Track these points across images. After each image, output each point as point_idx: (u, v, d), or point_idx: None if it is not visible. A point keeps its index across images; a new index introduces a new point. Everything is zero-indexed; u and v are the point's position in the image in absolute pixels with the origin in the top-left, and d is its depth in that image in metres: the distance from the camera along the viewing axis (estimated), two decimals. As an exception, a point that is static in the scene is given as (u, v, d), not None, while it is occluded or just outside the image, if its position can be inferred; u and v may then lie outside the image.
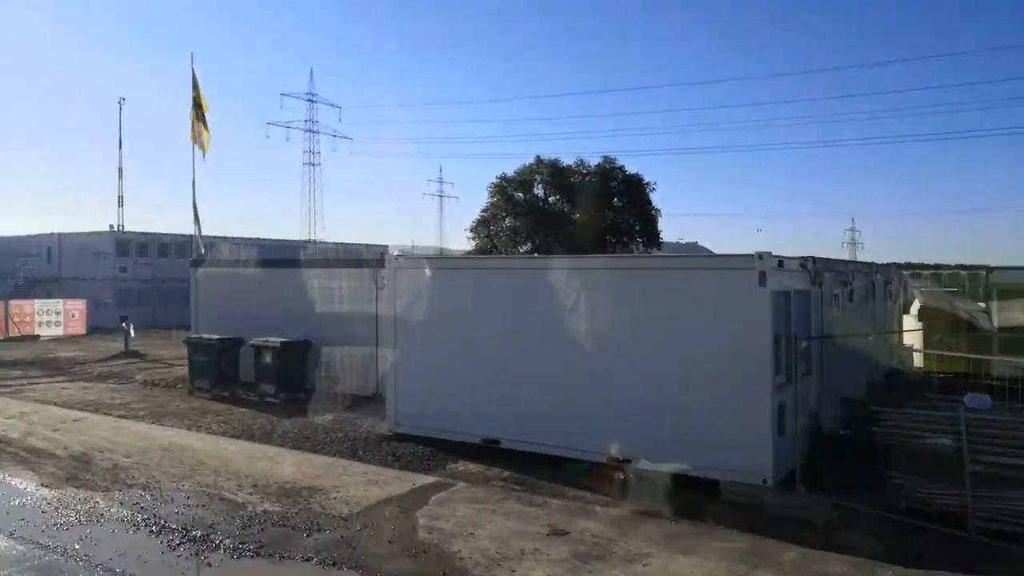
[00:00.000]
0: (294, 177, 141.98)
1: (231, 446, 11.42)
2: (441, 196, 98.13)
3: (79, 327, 32.46)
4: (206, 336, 16.29)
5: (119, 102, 53.93)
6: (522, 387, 10.34)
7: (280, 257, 26.49)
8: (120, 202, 59.92)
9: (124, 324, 22.55)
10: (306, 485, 9.27)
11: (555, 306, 10.02)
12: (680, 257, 10.15)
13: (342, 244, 58.34)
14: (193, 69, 18.72)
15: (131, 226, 44.95)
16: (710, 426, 9.00)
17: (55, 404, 14.88)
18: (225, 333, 16.47)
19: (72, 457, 10.56)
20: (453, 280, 11.36)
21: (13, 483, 9.33)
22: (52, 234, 41.12)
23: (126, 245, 38.90)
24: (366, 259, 16.58)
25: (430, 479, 9.56)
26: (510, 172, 56.17)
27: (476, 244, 56.38)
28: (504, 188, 55.53)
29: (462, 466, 10.19)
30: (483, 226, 56.79)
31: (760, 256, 8.87)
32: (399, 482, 9.44)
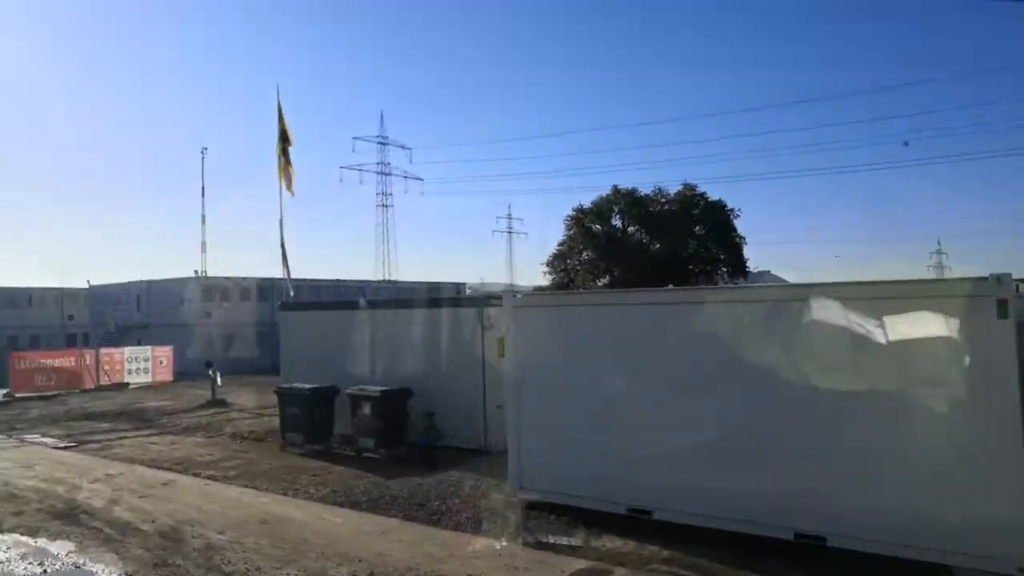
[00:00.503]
0: (367, 219, 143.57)
1: (335, 517, 9.91)
2: (510, 233, 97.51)
3: (166, 374, 32.07)
4: (298, 385, 15.01)
5: (202, 152, 55.35)
6: (679, 446, 8.52)
7: (373, 298, 25.42)
8: (203, 248, 60.98)
9: (210, 372, 21.66)
10: (431, 571, 7.65)
11: (722, 346, 8.21)
12: (882, 284, 8.14)
13: (417, 283, 57.50)
14: (279, 101, 18.00)
15: (215, 271, 45.25)
16: (937, 501, 7.02)
17: (142, 463, 13.75)
18: (317, 380, 15.19)
19: (160, 534, 9.20)
20: (588, 318, 9.66)
21: (95, 572, 8.00)
22: (141, 281, 41.47)
23: (210, 290, 38.79)
24: (469, 297, 15.15)
25: (579, 563, 7.80)
26: (587, 204, 54.52)
27: (553, 279, 54.75)
28: (581, 220, 53.90)
29: (609, 543, 8.40)
30: (560, 260, 55.22)
31: (998, 279, 6.91)
32: (542, 568, 7.72)
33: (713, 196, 49.31)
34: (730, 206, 48.67)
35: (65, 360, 29.55)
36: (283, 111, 16.61)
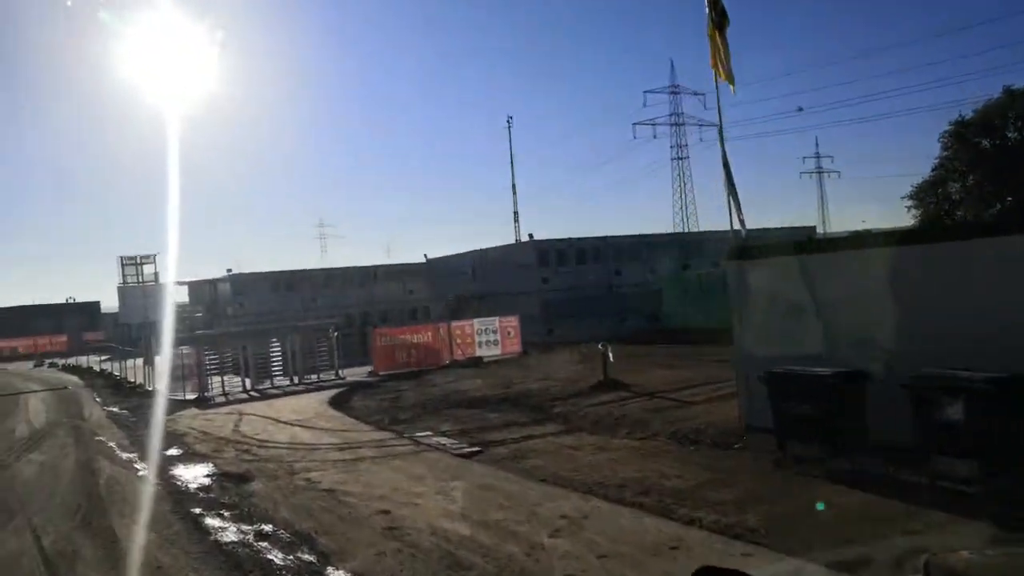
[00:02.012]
0: (663, 173, 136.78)
1: None
2: (820, 173, 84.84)
3: (515, 345, 29.00)
4: (808, 369, 9.37)
5: (508, 121, 53.17)
6: None
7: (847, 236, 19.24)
8: (515, 217, 59.25)
9: (600, 346, 17.12)
10: None
11: None
12: None
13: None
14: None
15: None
16: None
17: (592, 492, 9.09)
18: (791, 353, 9.58)
19: None
20: None
21: None
22: (476, 251, 39.61)
23: (546, 254, 35.41)
24: None
25: None
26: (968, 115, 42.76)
27: (920, 213, 43.87)
28: (963, 135, 42.32)
29: None
30: (930, 189, 44.02)
31: None
32: None
33: None
34: None
35: (422, 335, 27.59)
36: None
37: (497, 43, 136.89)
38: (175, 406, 20.26)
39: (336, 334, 26.87)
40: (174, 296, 50.54)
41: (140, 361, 32.22)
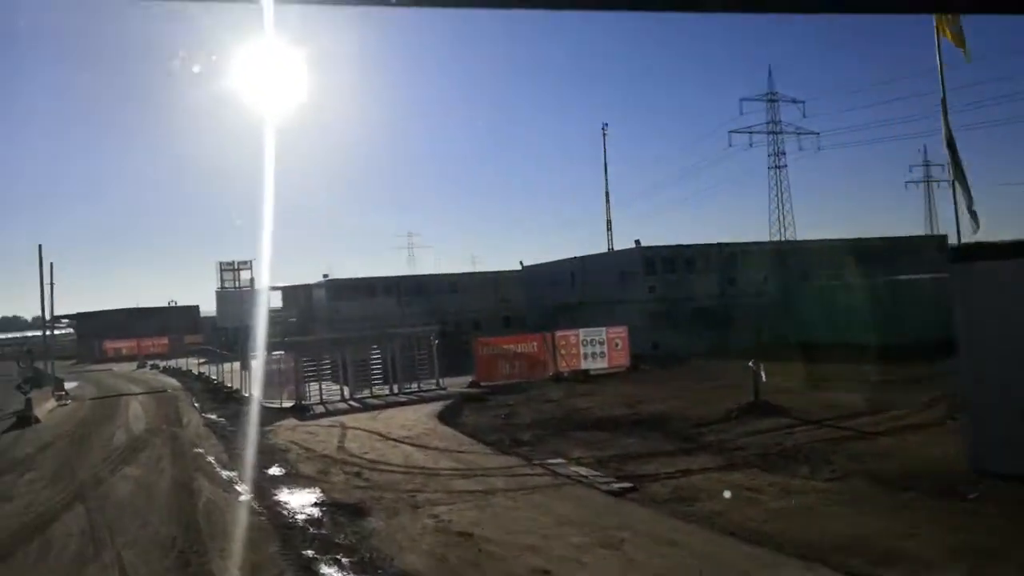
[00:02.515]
0: (758, 181, 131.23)
1: None
2: (928, 182, 78.90)
3: (622, 359, 26.77)
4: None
5: (603, 129, 51.21)
6: None
7: None
8: (608, 226, 57.00)
9: (751, 364, 14.80)
10: None
11: None
12: None
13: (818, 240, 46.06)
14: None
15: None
16: None
17: (806, 556, 6.92)
18: None
19: None
20: None
21: None
22: (574, 258, 37.63)
23: (652, 261, 33.05)
24: None
25: None
26: None
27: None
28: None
29: None
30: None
31: None
32: None
33: None
34: None
35: (527, 345, 25.77)
36: None
37: (588, 48, 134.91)
38: (273, 415, 19.08)
39: (436, 342, 25.39)
40: (268, 301, 50.75)
41: (236, 365, 31.76)
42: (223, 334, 60.93)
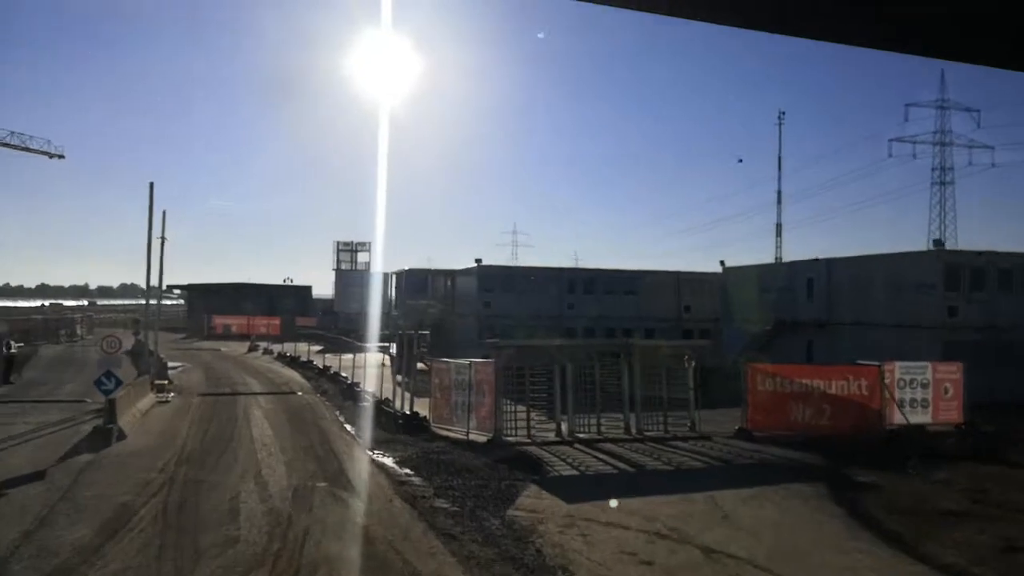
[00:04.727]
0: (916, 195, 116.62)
1: None
2: None
3: (952, 411, 17.41)
4: None
5: (779, 118, 41.99)
6: None
7: None
8: (778, 230, 47.07)
9: None
10: None
11: None
12: None
13: None
14: None
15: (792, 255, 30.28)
16: None
17: None
18: None
19: None
20: None
21: None
22: (815, 260, 28.20)
23: (956, 272, 23.24)
24: None
25: None
26: None
27: None
28: None
29: None
30: None
31: None
32: None
33: None
34: None
35: (839, 380, 16.70)
36: None
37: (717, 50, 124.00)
38: (489, 469, 11.02)
39: (693, 363, 16.72)
40: (404, 286, 43.44)
41: (361, 358, 24.12)
42: (336, 319, 54.43)
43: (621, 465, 12.35)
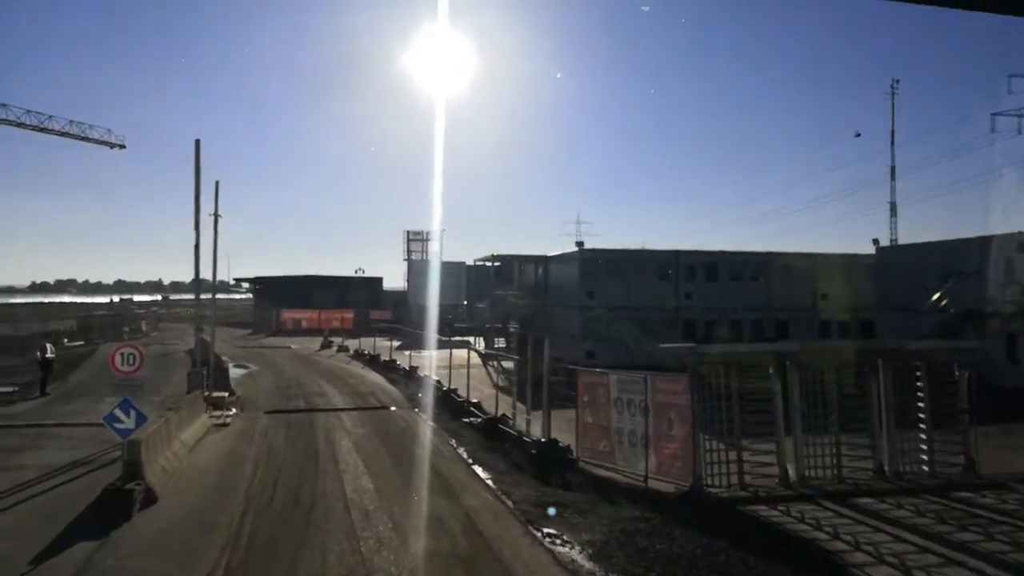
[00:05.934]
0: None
1: None
2: None
3: None
4: None
5: (892, 86, 35.12)
6: None
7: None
8: (892, 210, 40.28)
9: None
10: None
11: None
12: None
13: None
14: None
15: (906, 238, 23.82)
16: None
17: None
18: None
19: None
20: None
21: None
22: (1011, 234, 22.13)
23: None
24: None
25: None
26: None
27: None
28: None
29: None
30: None
31: None
32: None
33: None
34: None
35: None
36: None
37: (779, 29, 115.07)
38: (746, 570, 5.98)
39: (966, 372, 11.29)
40: (493, 276, 38.65)
41: (448, 356, 19.40)
42: (408, 312, 50.21)
43: (941, 550, 7.14)
